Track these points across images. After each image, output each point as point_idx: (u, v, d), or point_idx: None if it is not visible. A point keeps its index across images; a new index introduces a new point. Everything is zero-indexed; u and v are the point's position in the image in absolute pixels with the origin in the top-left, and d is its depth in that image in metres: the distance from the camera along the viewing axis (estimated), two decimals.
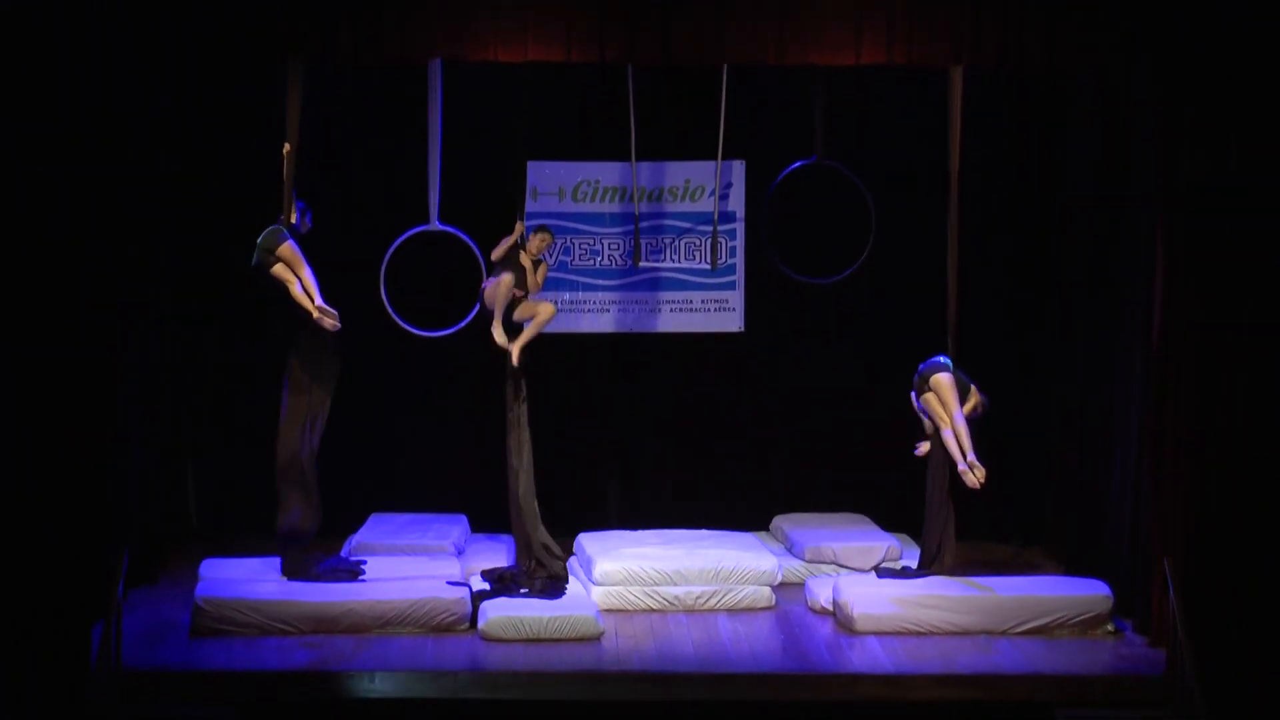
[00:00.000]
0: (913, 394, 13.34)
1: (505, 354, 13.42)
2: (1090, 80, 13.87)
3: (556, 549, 13.64)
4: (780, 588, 13.62)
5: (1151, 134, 12.51)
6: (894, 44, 12.20)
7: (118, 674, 11.42)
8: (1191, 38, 12.04)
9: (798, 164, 14.73)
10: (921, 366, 13.34)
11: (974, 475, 12.99)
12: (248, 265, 13.14)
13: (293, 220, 13.06)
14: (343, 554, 14.01)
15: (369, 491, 15.32)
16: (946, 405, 13.14)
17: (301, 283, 13.04)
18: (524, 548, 13.67)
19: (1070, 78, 14.15)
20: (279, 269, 13.04)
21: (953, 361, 13.27)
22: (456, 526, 14.79)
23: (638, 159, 14.31)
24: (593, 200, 15.39)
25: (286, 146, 12.87)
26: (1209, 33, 12.00)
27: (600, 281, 15.42)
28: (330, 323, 13.05)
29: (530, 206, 15.20)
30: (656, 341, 15.59)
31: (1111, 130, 13.61)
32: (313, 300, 13.03)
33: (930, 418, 13.25)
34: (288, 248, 13.01)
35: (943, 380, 13.16)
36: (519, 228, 13.56)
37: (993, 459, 13.37)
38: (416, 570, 13.35)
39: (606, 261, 15.43)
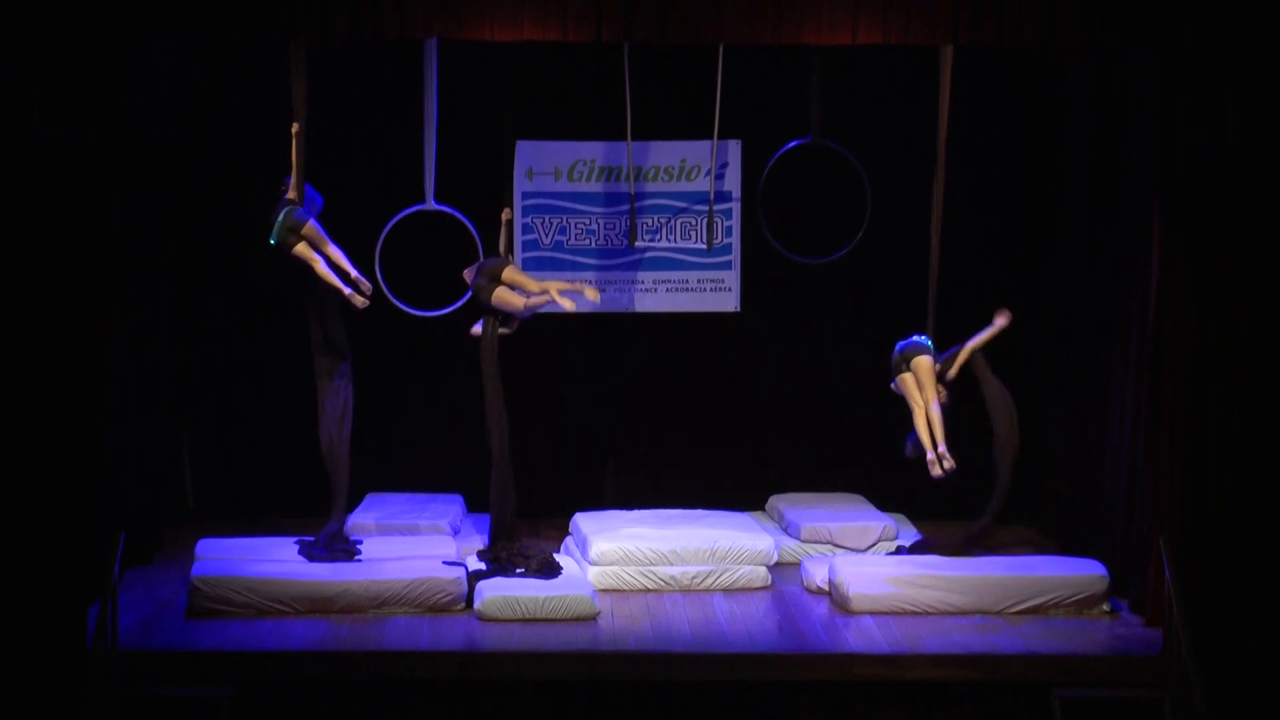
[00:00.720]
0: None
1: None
2: (1087, 56, 13.83)
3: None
4: (776, 568, 13.61)
5: (1148, 108, 12.46)
6: (890, 23, 12.14)
7: (114, 655, 11.41)
8: (1188, 11, 11.98)
9: (793, 143, 14.68)
10: (900, 345, 13.34)
11: (941, 466, 13.01)
12: (266, 245, 13.13)
13: (300, 201, 13.05)
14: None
15: (365, 471, 15.26)
16: (924, 389, 13.12)
17: (328, 259, 13.04)
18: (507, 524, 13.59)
19: (1068, 54, 14.11)
20: (301, 248, 13.04)
21: (932, 341, 13.25)
22: (453, 506, 14.77)
23: (634, 138, 14.26)
24: (588, 180, 15.34)
25: (295, 126, 12.85)
26: (1205, 6, 11.95)
27: (596, 261, 15.38)
28: (360, 300, 13.08)
29: (525, 186, 15.17)
30: (652, 321, 15.55)
31: (1108, 105, 13.59)
32: (347, 275, 13.07)
33: (906, 399, 13.24)
34: (311, 227, 13.02)
35: (923, 363, 13.15)
36: (507, 214, 13.58)
37: (984, 435, 13.35)
38: (413, 550, 13.34)
39: (602, 241, 15.39)
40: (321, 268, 13.05)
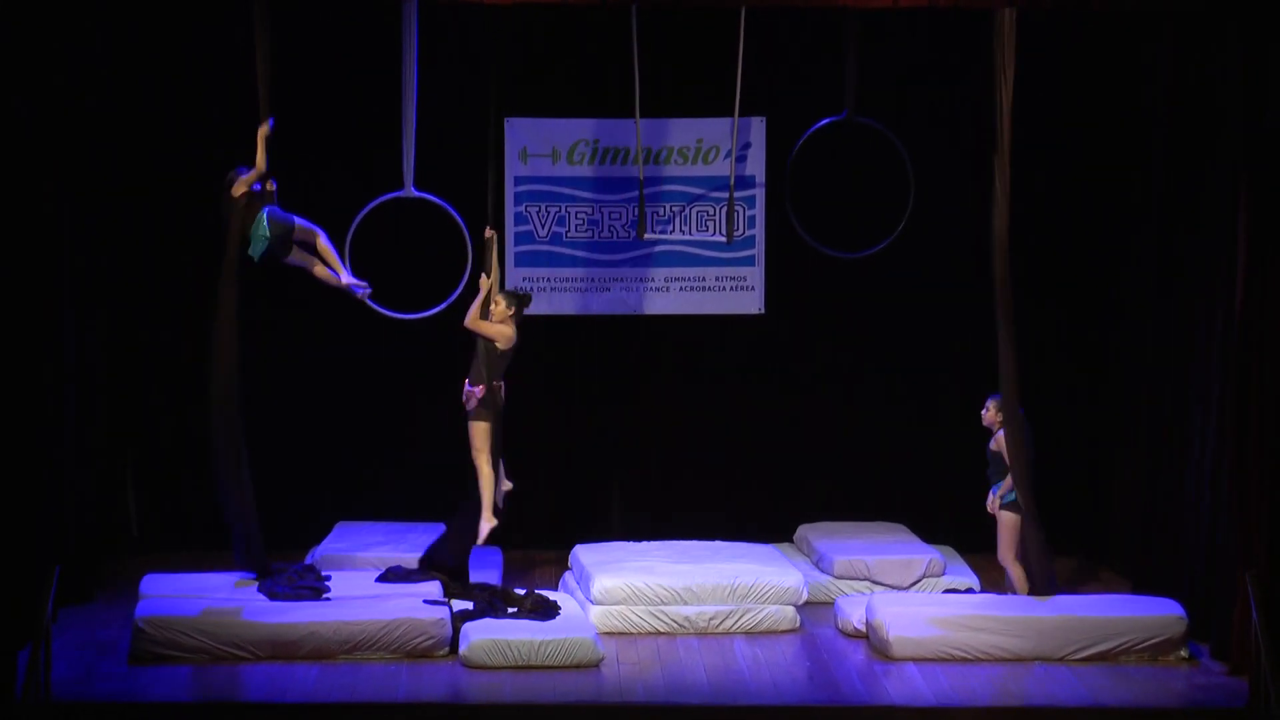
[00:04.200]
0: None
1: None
2: (1162, 19, 13.82)
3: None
4: (806, 607, 13.61)
5: (1233, 79, 12.46)
6: None
7: (46, 706, 11.39)
8: None
9: (825, 121, 14.70)
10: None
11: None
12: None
13: (270, 190, 13.17)
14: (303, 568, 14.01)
15: (334, 497, 15.31)
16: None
17: (322, 255, 13.29)
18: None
19: (1138, 16, 14.10)
20: (296, 253, 13.22)
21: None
22: (435, 537, 14.75)
23: (642, 116, 14.27)
24: (591, 163, 15.37)
25: (265, 129, 12.95)
26: None
27: (600, 256, 15.40)
28: (362, 290, 13.46)
29: (519, 169, 15.20)
30: (664, 325, 15.56)
31: (1187, 76, 13.56)
32: (340, 276, 13.32)
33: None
34: (301, 226, 13.24)
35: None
36: (490, 232, 13.57)
37: (1048, 459, 13.36)
38: (389, 587, 13.35)
39: (607, 233, 15.42)
40: (320, 269, 13.31)
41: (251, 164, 13.10)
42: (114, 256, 14.88)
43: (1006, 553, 13.37)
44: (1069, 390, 15.23)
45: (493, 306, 13.39)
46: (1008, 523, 13.29)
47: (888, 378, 15.64)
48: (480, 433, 13.40)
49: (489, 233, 13.60)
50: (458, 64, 14.91)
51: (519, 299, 13.48)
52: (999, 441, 13.25)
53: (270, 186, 13.21)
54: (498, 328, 13.36)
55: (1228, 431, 12.52)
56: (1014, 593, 13.33)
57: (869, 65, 14.55)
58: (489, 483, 13.39)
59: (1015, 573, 13.35)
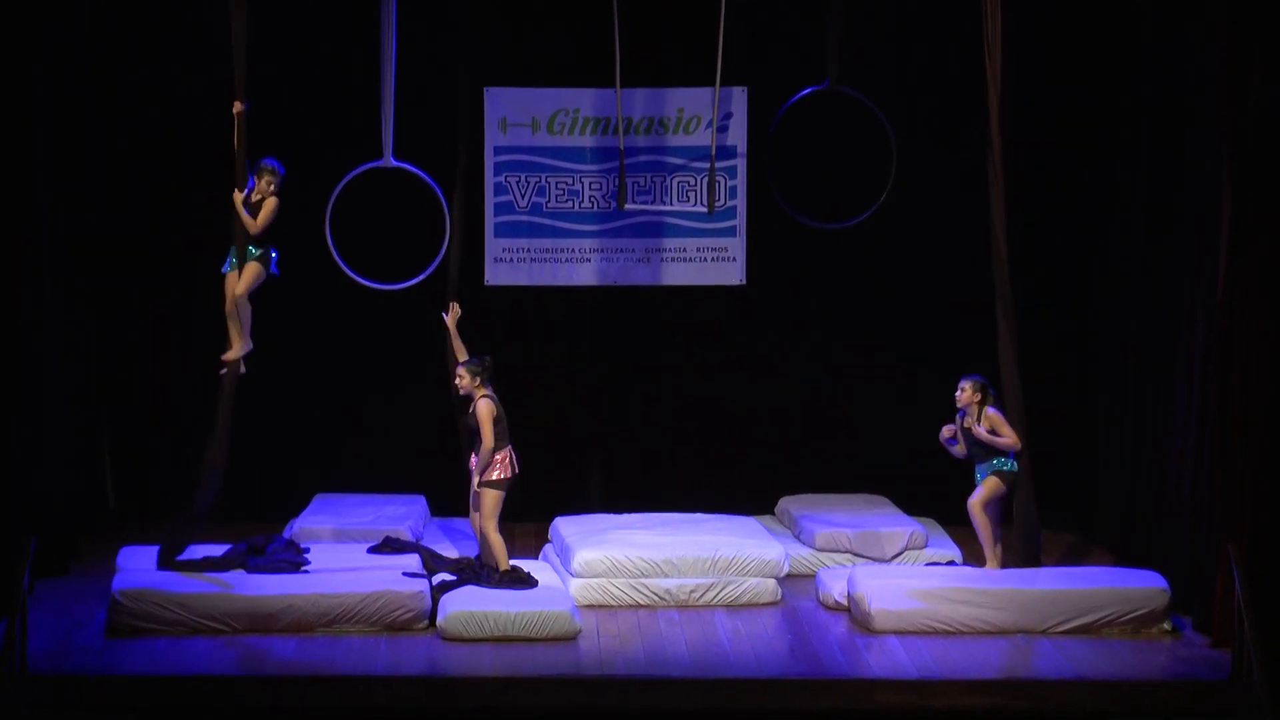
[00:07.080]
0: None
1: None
2: None
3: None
4: (787, 580, 13.63)
5: (1216, 56, 12.46)
6: None
7: (22, 679, 11.39)
8: None
9: (807, 90, 14.68)
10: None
11: None
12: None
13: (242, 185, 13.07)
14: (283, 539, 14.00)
15: (312, 469, 15.30)
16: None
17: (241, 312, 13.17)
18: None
19: None
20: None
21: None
22: (414, 509, 14.79)
23: (623, 85, 14.26)
24: (571, 132, 15.34)
25: (237, 106, 12.82)
26: None
27: (579, 227, 15.38)
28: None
29: (499, 139, 15.16)
30: (645, 296, 15.55)
31: (1171, 54, 13.58)
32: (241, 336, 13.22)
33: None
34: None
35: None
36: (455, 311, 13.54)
37: (1032, 432, 13.37)
38: (368, 559, 13.35)
39: (587, 203, 15.39)
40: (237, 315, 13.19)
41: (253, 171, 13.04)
42: (95, 231, 14.86)
43: (977, 503, 13.35)
44: (1054, 366, 15.23)
45: (463, 388, 13.17)
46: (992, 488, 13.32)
47: (869, 349, 15.65)
48: (495, 501, 13.14)
49: (452, 311, 13.59)
50: (437, 33, 14.87)
51: (482, 369, 13.24)
52: (989, 419, 13.23)
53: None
54: (487, 420, 13.12)
55: (1211, 406, 12.54)
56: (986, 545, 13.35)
57: (852, 34, 14.52)
58: (501, 550, 13.12)
59: (980, 519, 13.31)
